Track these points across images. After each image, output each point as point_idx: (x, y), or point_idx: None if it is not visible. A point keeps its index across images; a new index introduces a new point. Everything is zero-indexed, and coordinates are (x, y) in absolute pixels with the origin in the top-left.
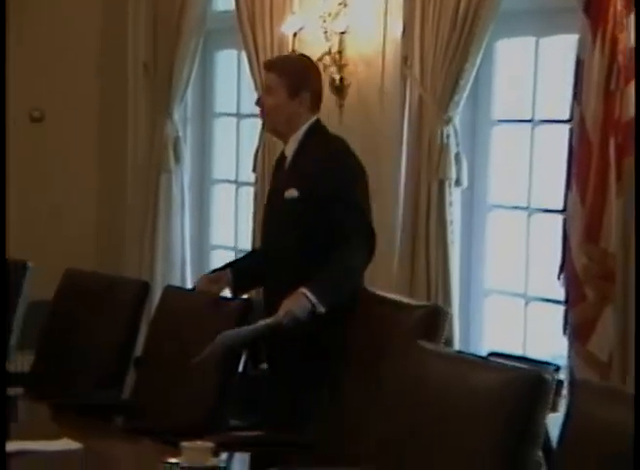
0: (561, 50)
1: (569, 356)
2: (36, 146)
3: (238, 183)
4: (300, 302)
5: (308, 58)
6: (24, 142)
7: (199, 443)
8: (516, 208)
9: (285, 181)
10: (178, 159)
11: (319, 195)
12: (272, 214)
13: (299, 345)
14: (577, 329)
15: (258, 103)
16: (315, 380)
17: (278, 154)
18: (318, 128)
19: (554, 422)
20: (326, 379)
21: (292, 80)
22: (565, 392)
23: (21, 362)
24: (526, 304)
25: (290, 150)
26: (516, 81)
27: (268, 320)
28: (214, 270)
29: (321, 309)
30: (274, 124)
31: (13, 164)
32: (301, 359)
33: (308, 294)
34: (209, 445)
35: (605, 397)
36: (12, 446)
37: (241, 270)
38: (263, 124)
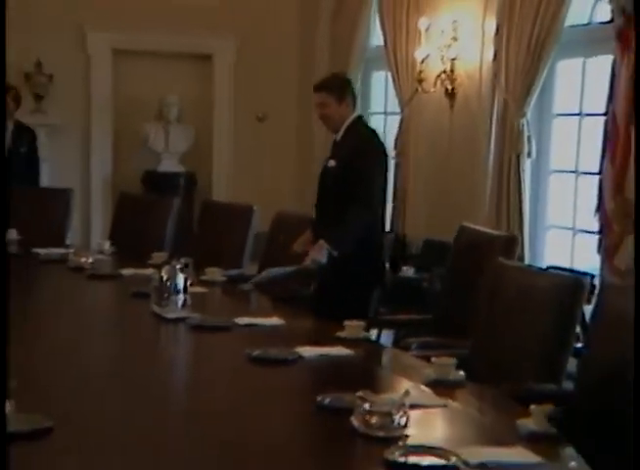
0: (601, 66)
1: (601, 268)
2: (259, 138)
3: None
4: (321, 250)
5: (342, 73)
6: (252, 136)
7: (355, 321)
8: (568, 171)
9: (330, 156)
10: None
11: (346, 166)
12: (322, 178)
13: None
14: (607, 250)
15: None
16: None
17: None
18: (358, 123)
19: (588, 310)
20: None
21: (336, 92)
22: (596, 291)
23: (250, 269)
24: (574, 234)
25: (338, 136)
26: (569, 88)
27: (302, 264)
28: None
29: (334, 253)
30: (334, 126)
31: (245, 150)
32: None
33: (325, 245)
34: (362, 323)
35: (622, 293)
36: (243, 320)
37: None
38: (328, 127)
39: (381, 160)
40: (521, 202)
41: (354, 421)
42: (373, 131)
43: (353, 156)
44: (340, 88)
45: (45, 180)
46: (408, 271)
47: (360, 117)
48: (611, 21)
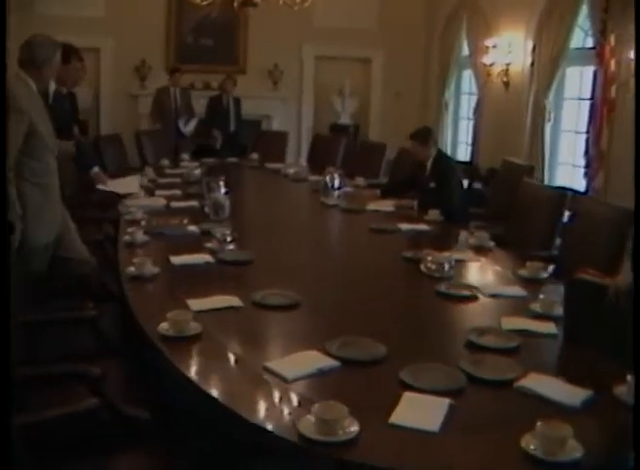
0: (589, 72)
1: (586, 187)
2: (397, 106)
3: None
4: None
5: (425, 128)
6: (392, 104)
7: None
8: (570, 131)
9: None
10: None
11: (439, 182)
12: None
13: None
14: (590, 177)
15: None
16: None
17: None
18: (441, 156)
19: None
20: None
21: (421, 141)
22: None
23: (382, 179)
24: (573, 167)
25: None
26: (573, 83)
27: None
28: None
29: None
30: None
31: (388, 112)
32: None
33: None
34: (437, 211)
35: (594, 203)
36: (370, 206)
37: None
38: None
39: (455, 172)
40: (543, 147)
41: (422, 267)
42: (447, 156)
43: (441, 177)
44: (423, 137)
45: (276, 127)
46: (478, 185)
47: (439, 151)
48: (594, 47)
